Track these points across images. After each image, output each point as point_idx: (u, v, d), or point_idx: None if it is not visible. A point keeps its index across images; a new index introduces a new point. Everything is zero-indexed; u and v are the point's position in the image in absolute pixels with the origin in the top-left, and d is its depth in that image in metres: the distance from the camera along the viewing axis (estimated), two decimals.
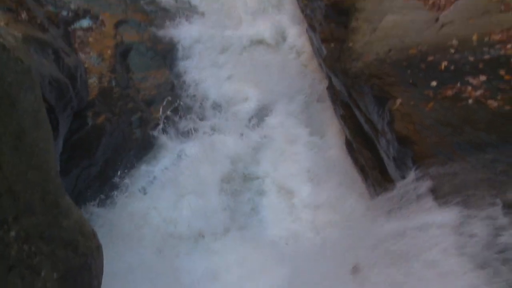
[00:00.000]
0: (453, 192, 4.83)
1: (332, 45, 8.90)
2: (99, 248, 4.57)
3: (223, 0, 13.10)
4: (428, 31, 6.77)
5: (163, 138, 8.88)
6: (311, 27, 10.21)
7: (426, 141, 5.53)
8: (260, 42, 11.69)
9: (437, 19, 6.97)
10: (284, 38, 11.77)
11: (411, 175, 5.43)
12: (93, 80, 8.12)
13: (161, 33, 10.76)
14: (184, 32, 11.41)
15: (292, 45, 11.64)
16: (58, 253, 3.85)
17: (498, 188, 4.68)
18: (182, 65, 10.72)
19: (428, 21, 7.07)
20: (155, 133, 8.81)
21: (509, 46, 5.86)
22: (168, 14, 11.71)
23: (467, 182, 4.89)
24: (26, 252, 3.48)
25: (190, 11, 12.46)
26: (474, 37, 6.20)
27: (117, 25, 9.88)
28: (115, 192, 7.91)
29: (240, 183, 8.64)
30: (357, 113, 7.48)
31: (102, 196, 7.74)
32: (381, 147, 6.57)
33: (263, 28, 11.84)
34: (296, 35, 11.71)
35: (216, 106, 10.11)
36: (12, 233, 3.39)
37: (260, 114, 10.01)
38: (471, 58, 5.97)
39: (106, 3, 10.29)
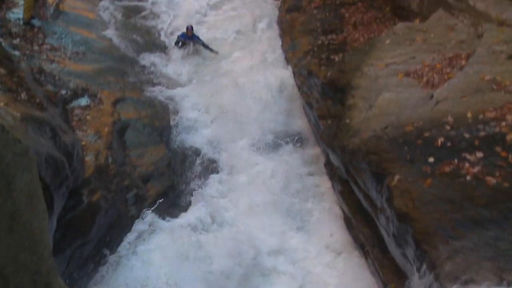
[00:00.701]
0: (456, 273, 4.74)
1: (329, 121, 9.08)
2: None
3: (216, 70, 13.60)
4: (423, 108, 6.93)
5: (159, 215, 8.79)
6: (308, 104, 10.44)
7: (426, 217, 5.50)
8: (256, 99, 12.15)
9: (431, 96, 7.15)
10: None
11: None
12: (89, 158, 8.17)
13: (158, 109, 10.98)
14: (180, 107, 11.72)
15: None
16: None
17: (503, 267, 4.61)
18: (179, 140, 10.88)
19: (423, 98, 7.25)
20: (152, 209, 8.75)
21: (503, 123, 5.97)
22: (165, 90, 12.02)
23: (470, 261, 4.81)
24: None
25: (185, 85, 12.84)
26: (469, 114, 6.34)
27: (115, 103, 10.07)
28: (109, 271, 7.74)
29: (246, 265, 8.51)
30: (355, 189, 7.49)
31: (95, 275, 7.58)
32: (381, 224, 6.52)
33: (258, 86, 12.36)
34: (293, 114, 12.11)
35: (215, 177, 10.17)
36: None
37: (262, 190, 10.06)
38: (467, 135, 6.07)
39: (105, 81, 10.55)
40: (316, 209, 9.47)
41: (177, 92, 12.28)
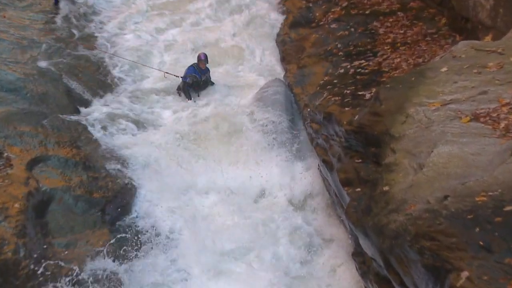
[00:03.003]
0: None
1: (359, 189, 9.02)
2: None
3: (194, 115, 13.81)
4: (502, 168, 6.88)
5: None
6: (326, 163, 10.42)
7: None
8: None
9: None
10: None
11: None
12: None
13: (100, 173, 10.93)
14: (136, 170, 11.73)
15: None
16: None
17: None
18: (133, 220, 10.77)
19: (501, 153, 7.21)
20: None
21: None
22: (111, 143, 12.03)
23: None
24: None
25: (147, 138, 12.89)
26: None
27: (32, 164, 10.03)
28: None
29: None
30: None
31: None
32: None
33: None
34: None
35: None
36: None
37: None
38: None
39: (16, 133, 10.53)
40: None
41: (133, 147, 12.34)
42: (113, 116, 13.51)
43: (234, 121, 13.80)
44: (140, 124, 13.61)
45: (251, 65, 16.12)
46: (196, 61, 15.00)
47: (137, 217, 10.95)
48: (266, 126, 13.42)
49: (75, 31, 17.04)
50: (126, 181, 11.38)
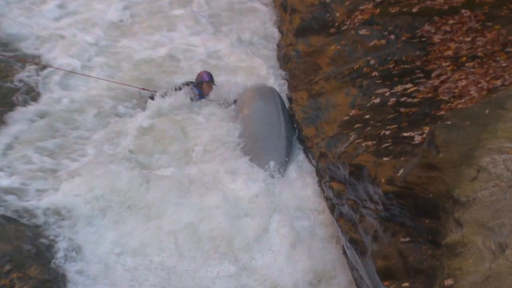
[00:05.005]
0: None
1: (406, 284, 8.97)
2: None
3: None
4: None
5: None
6: (355, 243, 10.37)
7: None
8: None
9: None
10: None
11: None
12: None
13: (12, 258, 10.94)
14: (65, 255, 11.73)
15: None
16: None
17: None
18: None
19: None
20: None
21: None
22: (25, 223, 12.07)
23: None
24: None
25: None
26: None
27: None
28: None
29: None
30: None
31: None
32: None
33: None
34: None
35: None
36: None
37: None
38: None
39: None
40: None
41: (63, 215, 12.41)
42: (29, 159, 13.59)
43: None
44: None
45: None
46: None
47: None
48: None
49: None
50: (53, 273, 11.32)
